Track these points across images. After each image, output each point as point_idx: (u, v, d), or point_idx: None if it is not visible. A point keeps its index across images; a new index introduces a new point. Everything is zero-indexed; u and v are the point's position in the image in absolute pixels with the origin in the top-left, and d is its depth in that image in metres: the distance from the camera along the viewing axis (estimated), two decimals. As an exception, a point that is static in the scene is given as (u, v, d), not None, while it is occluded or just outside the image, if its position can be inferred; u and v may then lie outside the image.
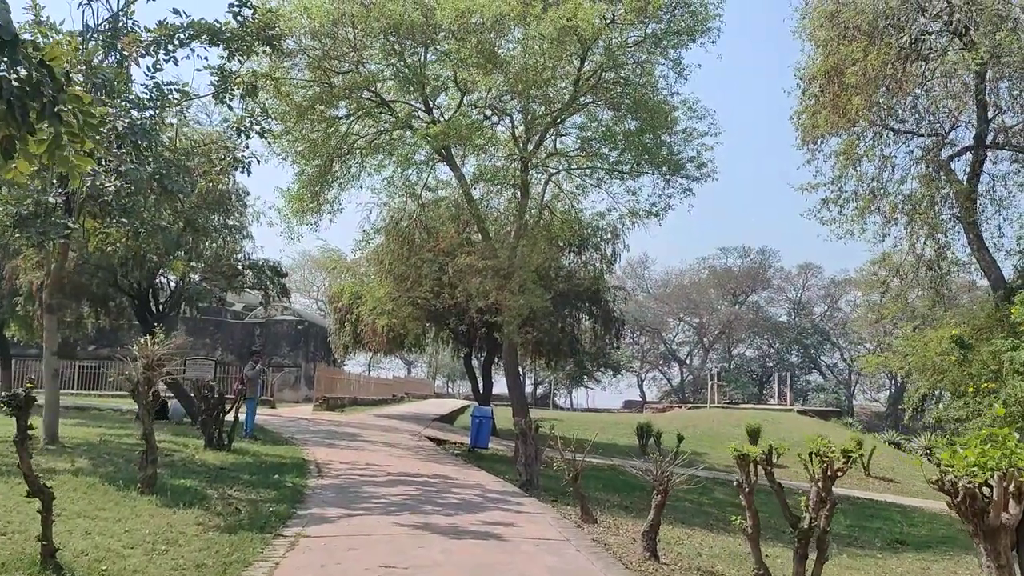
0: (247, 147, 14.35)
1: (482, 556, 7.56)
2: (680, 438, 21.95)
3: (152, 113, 12.17)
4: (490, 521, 9.51)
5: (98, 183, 10.45)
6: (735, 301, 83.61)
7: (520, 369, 22.80)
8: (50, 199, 11.38)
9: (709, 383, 49.11)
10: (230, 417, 15.07)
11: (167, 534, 7.80)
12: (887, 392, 79.52)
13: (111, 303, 23.79)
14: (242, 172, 15.63)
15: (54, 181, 11.35)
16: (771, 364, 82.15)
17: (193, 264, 20.28)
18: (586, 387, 73.65)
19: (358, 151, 21.61)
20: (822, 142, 24.97)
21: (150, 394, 9.49)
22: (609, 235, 26.37)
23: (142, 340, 9.66)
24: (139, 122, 10.90)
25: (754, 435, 27.42)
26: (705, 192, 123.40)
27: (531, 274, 18.51)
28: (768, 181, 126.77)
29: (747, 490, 7.01)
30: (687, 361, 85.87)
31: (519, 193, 20.19)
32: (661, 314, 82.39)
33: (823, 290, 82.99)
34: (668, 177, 22.65)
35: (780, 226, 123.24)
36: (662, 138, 20.83)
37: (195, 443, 14.83)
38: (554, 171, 22.42)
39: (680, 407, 50.04)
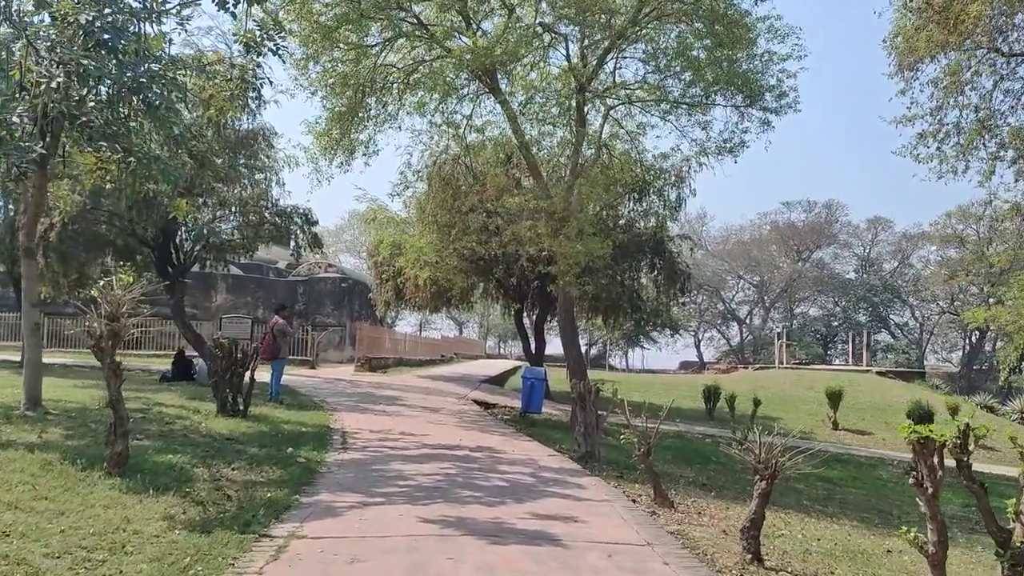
0: (258, 66, 12.29)
1: None
2: (756, 402, 19.61)
3: (143, 25, 10.15)
4: (545, 513, 7.40)
5: (54, 85, 8.44)
6: (798, 258, 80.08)
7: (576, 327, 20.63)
8: (14, 119, 9.42)
9: (777, 342, 46.24)
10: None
11: (116, 534, 5.85)
12: (960, 352, 75.69)
13: (137, 256, 22.13)
14: (254, 99, 13.64)
15: (16, 95, 9.39)
16: (836, 323, 78.68)
17: (212, 209, 18.49)
18: (642, 347, 71.35)
19: (394, 86, 19.44)
20: (919, 68, 22.22)
21: (115, 351, 7.56)
22: (673, 179, 23.84)
23: (102, 284, 7.70)
24: (110, 19, 8.86)
25: (834, 398, 24.89)
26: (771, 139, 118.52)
27: (591, 218, 16.21)
28: (837, 128, 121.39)
29: (931, 491, 4.70)
30: (747, 321, 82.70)
31: (574, 127, 17.80)
32: (720, 272, 79.32)
33: (893, 245, 78.99)
34: (743, 109, 20.12)
35: (849, 177, 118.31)
36: (739, 60, 18.23)
37: (209, 408, 13.01)
38: (614, 103, 19.94)
39: (746, 368, 47.29)
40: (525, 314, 27.42)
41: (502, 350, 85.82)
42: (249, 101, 18.12)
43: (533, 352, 25.35)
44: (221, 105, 13.32)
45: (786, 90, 19.72)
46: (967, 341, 73.98)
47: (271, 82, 12.38)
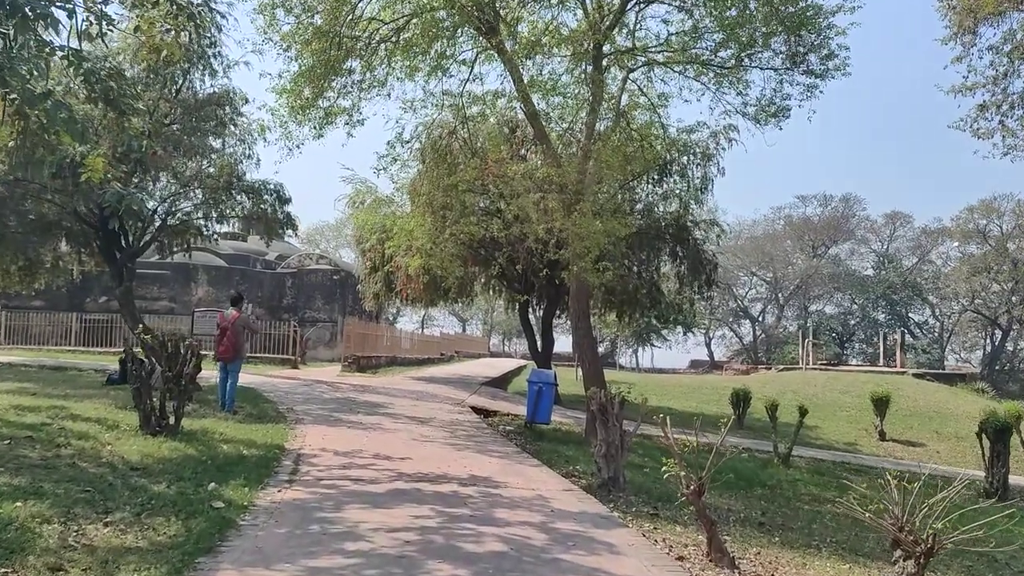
0: (194, -12, 9.64)
1: None
2: (803, 411, 16.80)
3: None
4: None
5: None
6: (814, 254, 77.29)
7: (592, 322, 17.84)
8: None
9: (803, 341, 43.31)
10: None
11: None
12: (981, 352, 72.89)
13: (95, 242, 19.43)
14: (191, 29, 10.92)
15: None
16: (854, 322, 75.80)
17: (173, 185, 15.80)
18: (653, 345, 68.39)
19: (382, 47, 16.72)
20: (980, 28, 19.74)
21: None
22: (699, 156, 21.09)
23: None
24: None
25: (881, 405, 22.07)
26: (783, 133, 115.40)
27: (612, 189, 13.49)
28: (855, 117, 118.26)
29: None
30: (760, 319, 79.80)
31: (589, 79, 15.03)
32: (732, 268, 76.42)
33: (912, 241, 76.28)
34: (783, 72, 17.44)
35: (868, 169, 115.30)
36: (783, 10, 15.53)
37: (134, 421, 10.29)
38: (636, 64, 17.20)
39: (768, 368, 44.28)
40: (531, 308, 24.66)
41: (507, 348, 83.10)
42: (209, 56, 15.51)
43: (540, 350, 22.55)
44: (156, 44, 10.55)
45: (834, 50, 17.08)
46: (988, 340, 71.35)
47: (211, 8, 9.61)
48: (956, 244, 70.46)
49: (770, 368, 43.52)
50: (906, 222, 75.82)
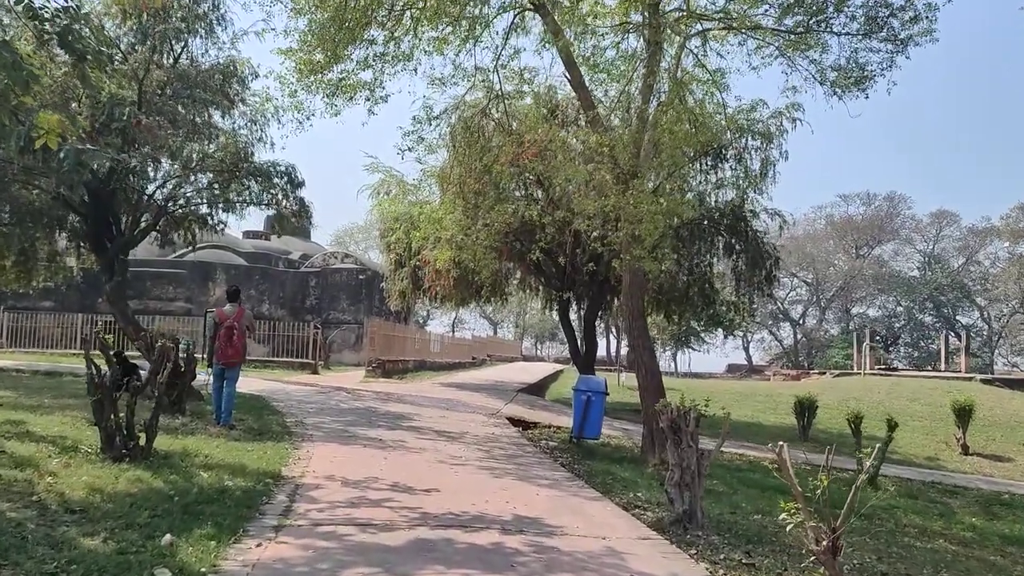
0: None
1: None
2: (892, 424, 14.40)
3: None
4: None
5: None
6: (857, 254, 74.43)
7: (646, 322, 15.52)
8: None
9: (862, 344, 40.69)
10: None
11: None
12: (1031, 355, 69.86)
13: (84, 229, 17.67)
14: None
15: None
16: (898, 325, 72.71)
17: (176, 167, 13.94)
18: (691, 348, 65.89)
19: (407, 15, 14.81)
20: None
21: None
22: (759, 138, 18.91)
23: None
24: None
25: (964, 415, 19.70)
26: (816, 131, 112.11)
27: (675, 159, 11.35)
28: (900, 111, 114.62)
29: None
30: (800, 321, 76.95)
31: (646, 35, 12.91)
32: (771, 268, 73.59)
33: (960, 241, 73.09)
34: (860, 38, 15.32)
35: (913, 166, 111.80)
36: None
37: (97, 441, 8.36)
38: (693, 28, 15.08)
39: (821, 373, 41.59)
40: (572, 307, 22.49)
41: (540, 351, 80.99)
42: (212, 21, 13.67)
43: (582, 354, 20.37)
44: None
45: (921, 11, 14.86)
46: (1038, 343, 68.46)
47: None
48: (1006, 244, 67.60)
49: (823, 373, 40.92)
50: (952, 221, 72.88)
